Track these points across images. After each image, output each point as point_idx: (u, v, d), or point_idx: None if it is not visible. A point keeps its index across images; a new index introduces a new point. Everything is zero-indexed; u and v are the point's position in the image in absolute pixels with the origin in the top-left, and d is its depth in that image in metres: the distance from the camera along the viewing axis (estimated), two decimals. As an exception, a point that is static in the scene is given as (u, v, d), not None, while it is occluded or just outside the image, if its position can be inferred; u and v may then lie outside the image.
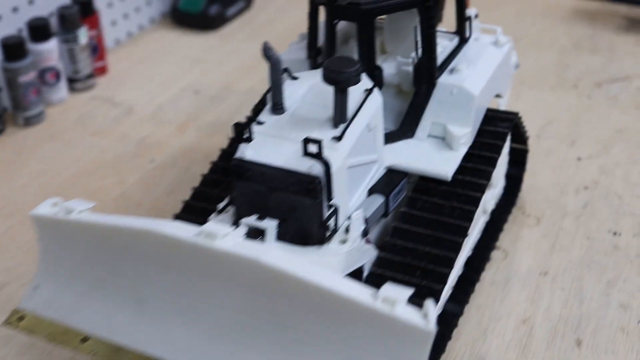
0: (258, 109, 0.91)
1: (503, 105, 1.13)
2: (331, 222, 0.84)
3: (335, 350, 0.72)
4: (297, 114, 0.87)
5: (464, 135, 0.97)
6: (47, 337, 0.83)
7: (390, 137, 0.97)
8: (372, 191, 0.92)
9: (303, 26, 1.05)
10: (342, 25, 1.02)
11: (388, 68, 1.00)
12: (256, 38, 1.78)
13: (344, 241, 0.85)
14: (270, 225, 0.82)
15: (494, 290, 1.03)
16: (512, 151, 1.15)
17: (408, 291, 0.69)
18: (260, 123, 0.87)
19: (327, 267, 0.82)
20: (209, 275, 0.76)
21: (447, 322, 0.95)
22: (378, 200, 0.91)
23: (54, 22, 1.52)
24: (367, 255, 0.88)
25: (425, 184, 0.95)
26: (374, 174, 0.92)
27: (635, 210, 1.16)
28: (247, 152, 0.84)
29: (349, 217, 0.86)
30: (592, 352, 0.94)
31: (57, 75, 1.49)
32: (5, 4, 1.45)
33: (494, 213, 1.11)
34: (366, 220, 0.88)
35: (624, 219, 1.15)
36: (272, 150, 0.84)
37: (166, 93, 1.56)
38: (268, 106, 0.89)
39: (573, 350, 0.94)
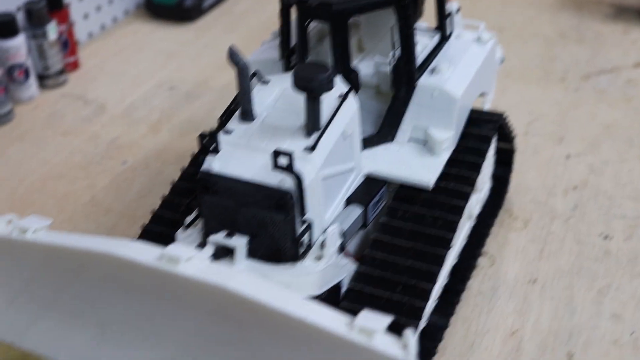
0: (225, 116, 0.85)
1: (488, 102, 1.08)
2: (305, 238, 0.78)
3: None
4: (268, 122, 0.82)
5: (446, 139, 0.91)
6: (5, 361, 0.78)
7: (369, 142, 0.92)
8: (349, 201, 0.87)
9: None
10: (316, 22, 0.97)
11: (366, 68, 0.95)
12: (234, 30, 1.72)
13: (319, 257, 0.80)
14: (239, 243, 0.77)
15: (481, 301, 0.98)
16: (498, 151, 1.10)
17: (386, 320, 0.64)
18: (228, 132, 0.81)
19: (302, 286, 0.77)
20: (172, 300, 0.70)
21: (432, 336, 0.91)
22: (356, 211, 0.86)
23: (21, 18, 1.46)
24: (344, 271, 0.83)
25: (406, 191, 0.90)
26: (351, 183, 0.87)
27: (626, 212, 1.12)
28: (214, 164, 0.79)
29: (325, 231, 0.81)
30: (584, 367, 0.90)
31: (26, 73, 1.43)
32: (-32, 0, 1.39)
33: (480, 216, 1.06)
34: (344, 234, 0.83)
35: (614, 221, 1.10)
36: (240, 162, 0.78)
37: (140, 89, 1.50)
38: (237, 113, 0.83)
39: (563, 365, 0.90)
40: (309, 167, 0.77)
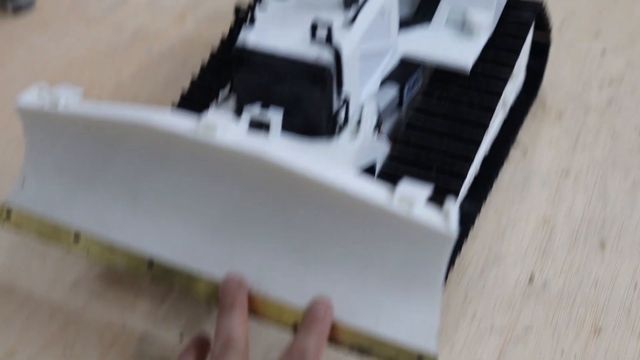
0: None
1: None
2: (341, 114, 0.77)
3: (346, 254, 0.67)
4: (304, -2, 0.79)
5: (485, 21, 0.89)
6: (37, 234, 0.78)
7: (406, 23, 0.89)
8: (385, 81, 0.85)
9: None
10: None
11: (405, -54, 0.92)
12: None
13: (354, 135, 0.79)
14: (275, 116, 0.76)
15: (513, 190, 0.97)
16: (534, 42, 1.07)
17: (426, 189, 0.63)
18: (264, 8, 0.79)
19: (337, 162, 0.76)
20: (208, 170, 0.69)
21: (464, 223, 0.90)
22: (392, 91, 0.84)
23: None
24: (379, 151, 0.82)
25: (442, 74, 0.88)
26: (388, 63, 0.85)
27: (662, 107, 1.09)
28: (250, 38, 0.76)
29: (361, 109, 0.79)
30: (617, 254, 0.89)
31: (48, -40, 1.40)
32: None
33: (513, 108, 1.04)
34: (379, 113, 0.81)
35: (650, 115, 1.08)
36: (277, 36, 0.76)
37: (164, -21, 1.47)
38: (272, -11, 0.81)
39: (596, 253, 0.89)
40: (348, 40, 0.75)
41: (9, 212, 0.79)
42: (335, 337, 0.67)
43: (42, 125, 0.77)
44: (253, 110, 0.76)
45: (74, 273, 0.88)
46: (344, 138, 0.78)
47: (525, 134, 1.05)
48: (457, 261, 0.88)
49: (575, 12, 1.31)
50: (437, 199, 0.68)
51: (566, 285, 0.86)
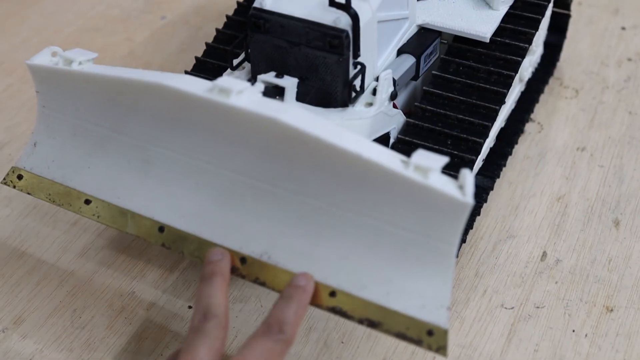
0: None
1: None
2: (357, 82, 0.76)
3: (358, 223, 0.66)
4: (323, -38, 0.78)
5: (506, -8, 0.87)
6: (48, 197, 0.77)
7: (424, -7, 0.88)
8: (401, 51, 0.83)
9: None
10: None
11: None
12: None
13: (370, 104, 0.77)
14: (290, 83, 0.75)
15: (527, 165, 0.96)
16: (553, 16, 1.06)
17: (442, 159, 0.62)
18: (282, -29, 0.78)
19: (352, 130, 0.75)
20: (221, 134, 0.68)
21: (477, 197, 0.89)
22: (408, 61, 0.83)
23: None
24: (394, 121, 0.81)
25: (460, 45, 0.87)
26: (405, 32, 0.84)
27: (681, 85, 1.08)
28: (267, 0, 0.75)
29: (377, 78, 0.78)
30: (631, 233, 0.88)
31: None
32: None
33: (529, 83, 1.02)
34: (395, 82, 0.80)
35: (669, 94, 1.07)
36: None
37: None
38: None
39: (610, 231, 0.88)
40: (366, 6, 0.74)
41: (20, 175, 0.79)
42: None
43: (55, 84, 0.76)
44: (268, 77, 0.75)
45: (84, 240, 0.88)
46: (359, 107, 0.77)
47: (541, 109, 1.04)
48: (469, 236, 0.87)
49: (595, -12, 1.29)
50: (452, 169, 0.67)
51: (579, 263, 0.85)
